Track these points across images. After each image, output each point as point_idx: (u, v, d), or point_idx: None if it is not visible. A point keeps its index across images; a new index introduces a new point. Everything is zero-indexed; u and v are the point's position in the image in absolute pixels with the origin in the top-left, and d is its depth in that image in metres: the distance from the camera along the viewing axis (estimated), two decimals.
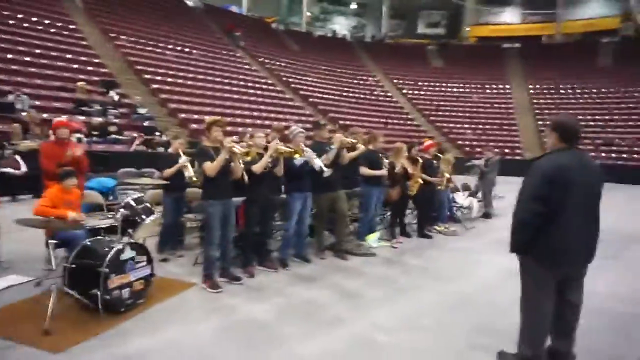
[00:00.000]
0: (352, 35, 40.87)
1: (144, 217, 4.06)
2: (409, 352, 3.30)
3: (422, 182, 7.04)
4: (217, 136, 4.37)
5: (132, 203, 4.09)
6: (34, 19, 17.62)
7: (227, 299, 4.16)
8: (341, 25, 43.22)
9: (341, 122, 23.10)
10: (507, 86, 31.88)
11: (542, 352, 2.94)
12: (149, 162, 11.04)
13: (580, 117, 26.34)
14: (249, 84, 22.64)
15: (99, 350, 3.09)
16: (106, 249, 3.62)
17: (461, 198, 8.72)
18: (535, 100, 29.47)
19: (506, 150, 24.58)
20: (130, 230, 3.99)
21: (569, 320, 2.95)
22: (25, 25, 16.88)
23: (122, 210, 4.00)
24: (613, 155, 22.38)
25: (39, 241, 5.03)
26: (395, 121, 26.88)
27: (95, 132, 11.99)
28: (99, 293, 3.44)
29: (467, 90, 31.96)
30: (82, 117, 12.33)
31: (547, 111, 27.94)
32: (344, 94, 28.09)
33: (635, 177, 19.28)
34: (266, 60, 27.43)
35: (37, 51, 15.66)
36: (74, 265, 3.60)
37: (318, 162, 5.00)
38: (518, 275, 3.04)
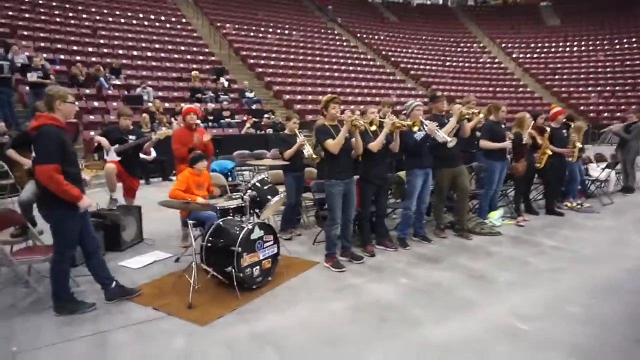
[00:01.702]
0: (454, 0, 38.33)
1: (269, 197, 4.16)
2: (559, 344, 2.95)
3: (550, 153, 6.35)
4: (334, 113, 4.29)
5: (258, 184, 4.21)
6: (152, 16, 19.24)
7: (351, 279, 4.13)
8: None
9: (445, 93, 21.92)
10: None
11: None
12: (259, 143, 11.57)
13: None
14: (349, 61, 22.48)
15: (239, 325, 3.23)
16: (237, 229, 3.76)
17: (596, 170, 7.71)
18: None
19: None
20: (257, 210, 4.13)
21: None
22: (145, 23, 18.50)
23: (249, 191, 4.12)
24: None
25: (172, 220, 5.51)
26: (505, 89, 24.84)
27: (211, 117, 12.81)
28: (233, 271, 3.61)
29: (591, 48, 28.30)
30: (198, 104, 13.21)
31: None
32: (447, 64, 26.64)
33: None
34: (364, 35, 26.98)
35: (157, 46, 17.10)
36: (209, 244, 3.81)
37: (441, 134, 4.69)
38: None
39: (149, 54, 16.44)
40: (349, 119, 4.05)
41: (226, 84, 15.66)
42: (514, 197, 6.42)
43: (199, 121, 5.66)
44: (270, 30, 22.75)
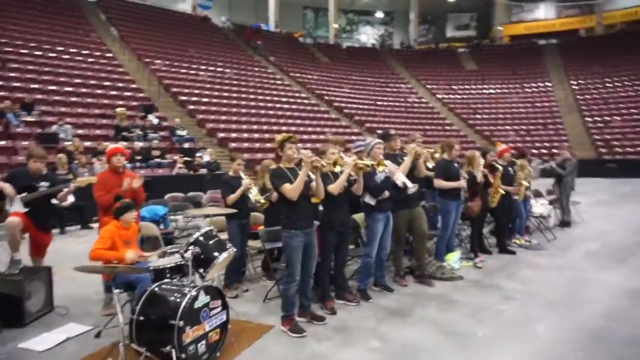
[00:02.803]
0: (381, 44, 40.30)
1: (216, 254, 3.47)
2: None
3: (503, 192, 6.29)
4: (291, 154, 3.78)
5: (202, 239, 3.50)
6: (73, 50, 17.89)
7: (315, 346, 3.52)
8: (368, 35, 42.84)
9: (379, 131, 22.40)
10: (549, 84, 30.47)
11: None
12: (193, 184, 10.74)
13: (633, 111, 24.77)
14: (284, 99, 22.34)
15: None
16: (178, 297, 3.06)
17: (538, 206, 7.84)
18: (580, 97, 27.93)
19: (554, 151, 23.25)
20: (201, 270, 3.43)
21: None
22: (65, 57, 17.13)
23: (191, 247, 3.41)
24: None
25: (92, 279, 4.56)
26: (433, 127, 25.95)
27: (138, 157, 11.77)
28: (173, 350, 2.88)
29: (505, 91, 30.74)
30: (124, 143, 12.14)
31: (594, 107, 26.47)
32: (379, 103, 27.46)
33: None
34: (297, 74, 27.18)
35: (77, 81, 15.79)
36: (141, 317, 3.05)
37: (401, 177, 4.35)
38: None
39: (67, 88, 15.08)
40: (308, 160, 3.57)
41: (155, 121, 14.68)
42: (470, 238, 6.23)
43: (125, 162, 4.83)
44: (202, 67, 22.13)
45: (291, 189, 3.61)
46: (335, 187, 4.03)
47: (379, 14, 42.61)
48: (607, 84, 28.19)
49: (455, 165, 5.76)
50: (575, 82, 29.51)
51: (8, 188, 4.23)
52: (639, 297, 4.43)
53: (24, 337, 3.67)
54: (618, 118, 24.72)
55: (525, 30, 39.08)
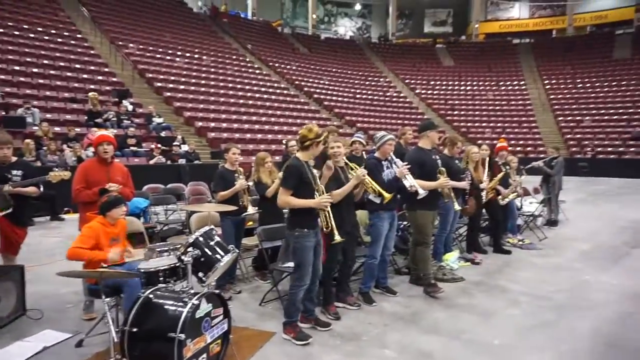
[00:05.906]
0: (359, 37, 40.07)
1: (218, 257, 3.10)
2: None
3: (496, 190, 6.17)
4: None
5: (202, 239, 3.13)
6: (40, 29, 16.85)
7: (322, 356, 3.24)
8: (346, 27, 42.54)
9: (358, 124, 22.25)
10: (522, 82, 30.95)
11: None
12: (171, 175, 10.25)
13: (602, 111, 25.44)
14: (263, 89, 21.80)
15: None
16: (177, 306, 2.71)
17: (528, 205, 7.79)
18: (552, 96, 28.50)
19: (528, 149, 23.66)
20: (200, 274, 3.07)
21: None
22: (31, 36, 16.13)
23: (190, 249, 3.04)
24: None
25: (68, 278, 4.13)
26: (412, 122, 25.94)
27: None
28: None
29: (482, 88, 31.08)
30: (96, 129, 11.45)
31: (566, 107, 27.05)
32: (357, 95, 27.26)
33: None
34: (276, 64, 26.64)
35: (45, 62, 14.88)
36: (134, 329, 2.69)
37: (411, 180, 4.12)
38: None
39: (34, 70, 14.17)
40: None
41: (130, 107, 13.96)
42: (467, 236, 6.07)
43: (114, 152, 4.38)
44: (179, 53, 21.30)
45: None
46: (337, 195, 3.73)
47: (357, 6, 42.34)
48: (577, 84, 28.89)
49: (457, 162, 5.56)
50: (547, 82, 30.10)
51: None
52: (633, 298, 4.35)
53: None
54: (588, 118, 25.35)
55: (500, 29, 39.72)
